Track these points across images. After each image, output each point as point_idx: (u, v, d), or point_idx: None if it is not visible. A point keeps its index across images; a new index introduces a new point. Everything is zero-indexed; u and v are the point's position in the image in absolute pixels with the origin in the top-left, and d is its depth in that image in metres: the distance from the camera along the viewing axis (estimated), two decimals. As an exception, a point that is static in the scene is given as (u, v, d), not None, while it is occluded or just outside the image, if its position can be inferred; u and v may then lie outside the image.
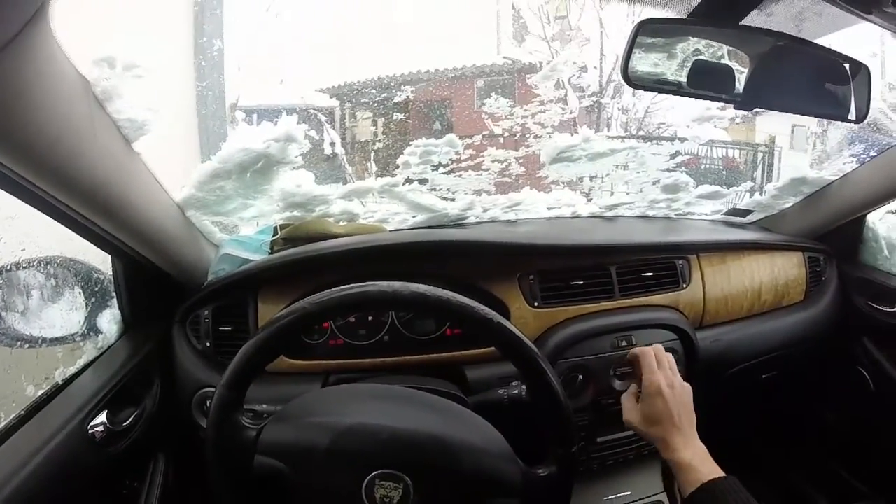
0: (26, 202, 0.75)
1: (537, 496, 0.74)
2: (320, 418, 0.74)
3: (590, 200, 1.59)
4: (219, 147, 1.06)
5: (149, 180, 0.91)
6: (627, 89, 4.67)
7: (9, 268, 1.01)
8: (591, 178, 1.85)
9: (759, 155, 4.62)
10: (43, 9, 0.54)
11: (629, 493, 1.34)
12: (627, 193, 1.65)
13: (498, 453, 0.74)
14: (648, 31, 0.91)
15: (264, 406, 0.86)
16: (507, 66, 4.59)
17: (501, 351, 0.74)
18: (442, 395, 0.84)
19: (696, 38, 0.97)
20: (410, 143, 1.21)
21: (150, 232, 0.95)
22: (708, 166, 4.38)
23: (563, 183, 1.58)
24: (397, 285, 0.72)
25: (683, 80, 0.97)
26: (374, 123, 4.13)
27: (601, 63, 4.62)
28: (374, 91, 4.10)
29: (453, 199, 1.33)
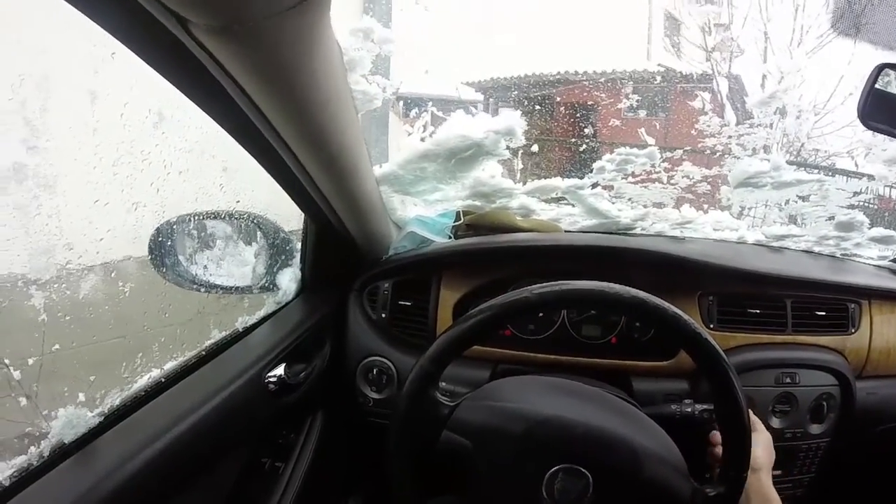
0: (256, 154, 0.81)
1: None
2: (515, 405, 0.76)
3: (757, 228, 1.52)
4: (380, 129, 1.08)
5: (363, 151, 0.95)
6: (791, 111, 4.38)
7: (219, 215, 1.10)
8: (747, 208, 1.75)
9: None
10: None
11: None
12: (797, 226, 1.54)
13: (676, 466, 0.75)
14: (888, 74, 0.93)
15: (443, 384, 0.88)
16: (660, 74, 4.43)
17: (701, 364, 0.75)
18: (626, 401, 0.85)
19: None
20: (615, 149, 1.18)
21: (353, 199, 1.00)
22: (866, 206, 4.00)
23: (745, 209, 1.50)
24: (619, 288, 0.73)
25: None
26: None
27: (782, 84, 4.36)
28: (519, 88, 4.11)
29: (627, 208, 1.32)
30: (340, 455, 1.25)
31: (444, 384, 0.89)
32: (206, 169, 1.07)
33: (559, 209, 1.31)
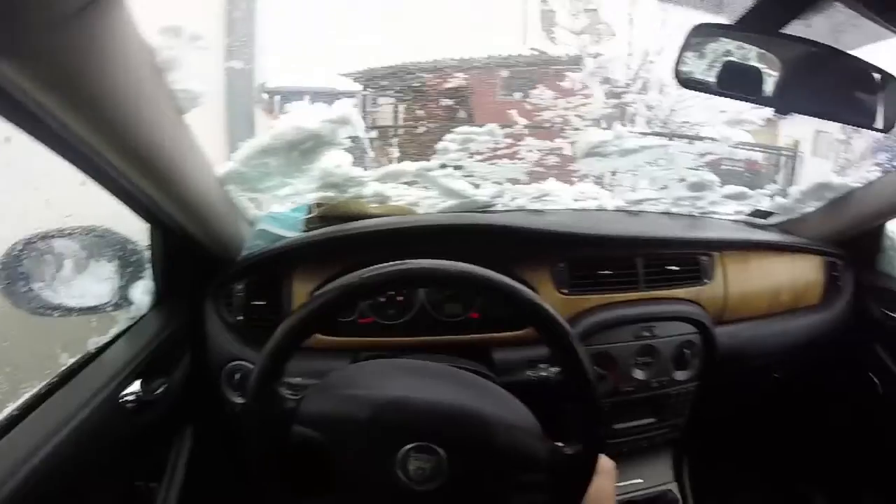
0: (81, 168, 0.76)
1: (563, 473, 0.75)
2: (360, 391, 0.76)
3: (615, 194, 1.60)
4: (246, 126, 1.06)
5: (196, 152, 0.92)
6: (654, 85, 4.67)
7: (52, 234, 1.03)
8: (613, 174, 1.85)
9: (783, 159, 4.61)
10: None
11: (641, 480, 1.37)
12: (654, 190, 1.65)
13: (529, 430, 0.76)
14: (700, 34, 0.96)
15: (298, 379, 0.86)
16: (533, 58, 4.58)
17: (537, 329, 0.75)
18: (475, 374, 0.85)
19: (737, 43, 1.00)
20: (452, 129, 1.21)
21: (193, 203, 0.96)
22: (731, 168, 4.37)
23: (588, 177, 1.59)
24: (442, 263, 0.73)
25: (731, 82, 1.00)
26: (395, 109, 4.16)
27: (629, 58, 4.62)
28: (396, 77, 4.11)
29: (483, 187, 1.35)
30: (218, 465, 1.21)
31: (299, 379, 0.86)
32: (26, 187, 0.99)
33: (417, 193, 1.32)
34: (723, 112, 1.80)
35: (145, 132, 0.73)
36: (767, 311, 1.43)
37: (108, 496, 0.89)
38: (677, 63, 0.97)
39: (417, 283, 0.87)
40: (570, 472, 0.75)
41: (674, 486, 1.40)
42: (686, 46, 0.96)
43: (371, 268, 0.73)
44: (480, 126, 1.23)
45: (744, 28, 0.97)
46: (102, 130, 0.67)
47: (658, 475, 1.40)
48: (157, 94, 0.74)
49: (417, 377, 0.81)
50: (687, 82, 1.01)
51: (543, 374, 0.98)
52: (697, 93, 1.03)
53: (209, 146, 1.09)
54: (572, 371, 0.75)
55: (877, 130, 1.01)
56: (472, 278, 0.74)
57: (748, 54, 1.03)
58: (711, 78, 1.01)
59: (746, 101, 1.08)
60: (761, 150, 4.69)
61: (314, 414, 0.74)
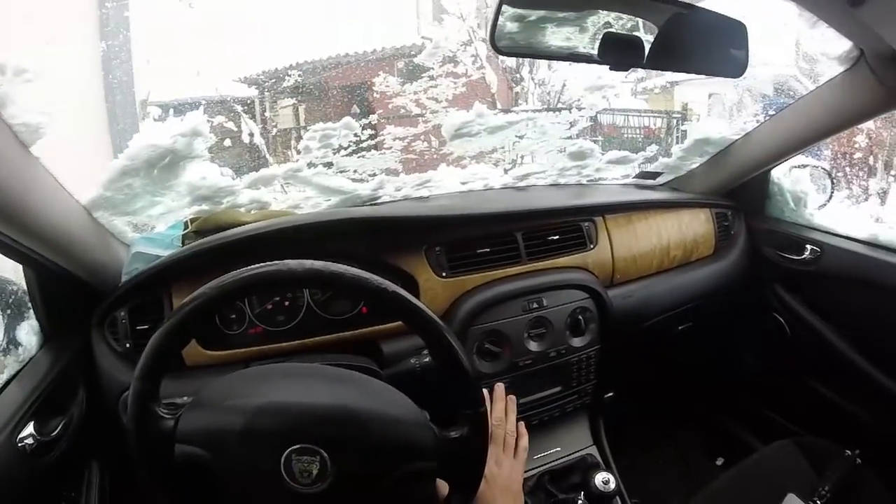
0: None
1: (452, 457, 0.75)
2: (233, 401, 0.75)
3: (506, 172, 1.64)
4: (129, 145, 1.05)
5: (50, 183, 0.90)
6: (543, 64, 4.76)
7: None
8: (495, 151, 1.88)
9: (673, 122, 4.82)
10: None
11: (559, 448, 1.40)
12: (535, 163, 1.71)
13: (410, 420, 0.75)
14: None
15: (185, 398, 0.84)
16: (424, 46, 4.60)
17: (400, 318, 0.75)
18: (355, 370, 0.84)
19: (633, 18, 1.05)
20: (309, 127, 1.22)
21: (55, 236, 0.94)
22: (632, 136, 4.57)
23: (471, 158, 1.63)
24: (292, 263, 0.73)
25: (551, 45, 1.04)
26: (295, 110, 4.09)
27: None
28: (291, 77, 4.05)
29: (364, 181, 1.36)
30: (131, 498, 1.21)
31: (185, 398, 0.83)
32: None
33: (297, 195, 1.32)
34: (598, 80, 1.88)
35: None
36: (659, 269, 1.48)
37: None
38: (493, 29, 0.96)
39: (270, 285, 0.81)
40: (460, 456, 0.76)
41: (593, 450, 1.44)
42: (499, 11, 0.95)
43: (226, 275, 0.73)
44: (336, 121, 1.25)
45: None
46: None
47: (576, 441, 1.44)
48: None
49: (290, 380, 0.79)
50: (506, 49, 1.01)
51: (426, 360, 0.98)
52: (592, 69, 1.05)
53: (97, 169, 1.08)
54: (442, 354, 0.75)
55: (731, 76, 1.09)
56: (321, 276, 0.73)
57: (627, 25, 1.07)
58: (536, 42, 1.03)
59: (577, 61, 1.10)
60: (652, 115, 4.88)
61: (192, 430, 0.73)
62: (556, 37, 1.04)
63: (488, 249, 1.26)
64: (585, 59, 1.06)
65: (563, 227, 1.34)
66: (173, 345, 0.74)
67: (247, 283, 0.73)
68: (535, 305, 1.27)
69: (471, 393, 0.75)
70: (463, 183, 1.55)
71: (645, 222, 1.47)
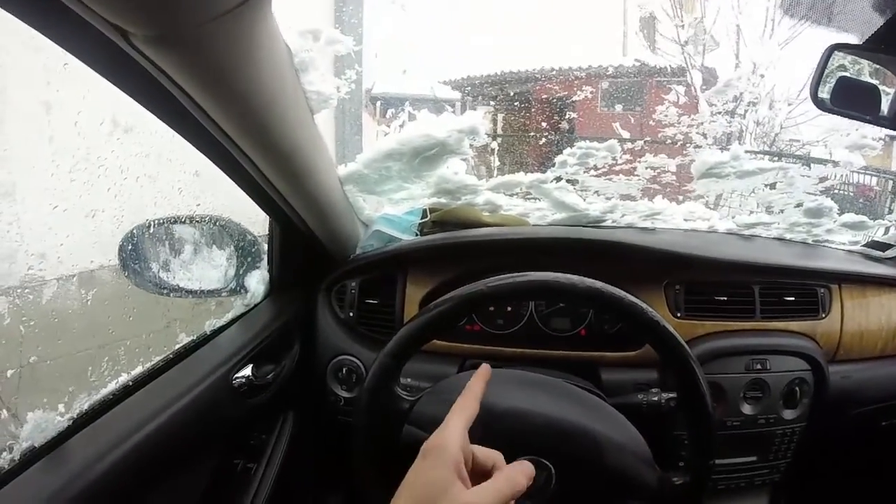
0: (214, 160, 0.81)
1: (670, 502, 0.74)
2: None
3: (730, 217, 1.53)
4: (354, 129, 1.08)
5: (323, 151, 0.95)
6: (763, 102, 4.42)
7: (183, 220, 1.10)
8: (720, 195, 1.77)
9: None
10: None
11: None
12: (767, 214, 1.56)
13: (640, 455, 0.74)
14: (837, 56, 0.92)
15: (408, 380, 0.89)
16: (635, 69, 4.44)
17: (661, 353, 0.74)
18: (590, 392, 0.84)
19: (851, 58, 0.96)
20: (574, 143, 1.19)
21: (316, 199, 0.99)
22: (843, 193, 4.05)
23: (699, 197, 1.52)
24: (574, 278, 0.73)
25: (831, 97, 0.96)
26: (493, 118, 4.16)
27: (737, 71, 4.38)
28: (496, 86, 4.11)
29: (593, 201, 1.32)
30: (314, 455, 1.24)
31: (409, 380, 0.89)
32: (165, 174, 1.06)
33: (527, 204, 1.31)
34: (846, 135, 1.69)
35: (279, 129, 0.76)
36: (882, 353, 1.31)
37: (207, 470, 0.93)
38: (815, 86, 0.93)
39: (547, 295, 0.85)
40: (677, 502, 0.74)
41: None
42: (822, 67, 0.92)
43: (499, 276, 0.74)
44: (600, 142, 1.20)
45: (882, 49, 0.91)
46: (241, 125, 0.70)
47: None
48: (293, 95, 0.76)
49: (534, 390, 0.80)
50: (825, 106, 0.96)
51: (654, 399, 0.92)
52: (814, 111, 0.98)
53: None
54: (691, 397, 0.74)
55: None
56: (599, 295, 0.73)
57: (862, 70, 0.99)
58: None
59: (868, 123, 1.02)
60: (876, 174, 4.31)
61: (428, 416, 0.75)
62: (833, 90, 0.97)
63: (725, 298, 1.19)
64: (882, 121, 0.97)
65: (799, 289, 1.24)
66: (433, 330, 0.76)
67: (524, 288, 0.74)
68: (759, 367, 1.17)
69: (708, 442, 0.75)
70: (686, 220, 1.45)
71: (878, 298, 1.30)
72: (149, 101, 0.65)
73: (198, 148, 0.78)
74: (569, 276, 0.74)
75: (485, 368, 0.74)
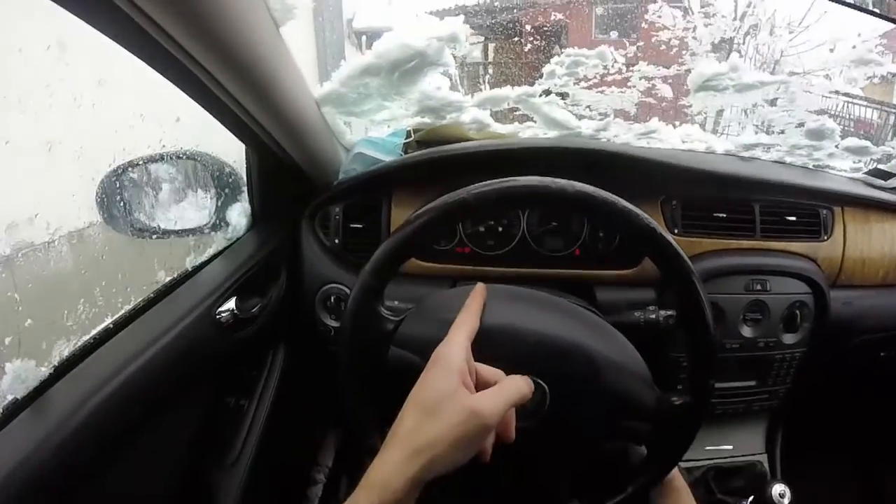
0: (182, 86, 0.76)
1: (669, 424, 0.72)
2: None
3: (723, 137, 1.46)
4: (337, 61, 1.02)
5: (293, 69, 0.89)
6: (764, 26, 4.27)
7: (156, 158, 1.06)
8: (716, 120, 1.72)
9: (898, 119, 4.09)
10: None
11: (731, 447, 1.32)
12: (768, 134, 1.51)
13: (638, 375, 0.72)
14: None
15: (396, 303, 0.84)
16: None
17: (659, 264, 0.70)
18: (586, 309, 0.80)
19: None
20: (563, 51, 1.12)
21: (291, 121, 0.94)
22: (843, 127, 3.96)
23: (693, 120, 1.46)
24: (563, 182, 0.68)
25: None
26: (485, 47, 4.02)
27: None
28: (487, 14, 3.94)
29: (590, 118, 1.26)
30: (308, 388, 1.24)
31: (396, 303, 0.85)
32: (123, 102, 0.99)
33: (516, 126, 1.25)
34: (852, 47, 1.61)
35: (244, 45, 0.71)
36: (883, 281, 1.30)
37: (198, 409, 0.93)
38: None
39: (535, 201, 0.78)
40: (675, 424, 0.72)
41: (763, 458, 1.34)
42: None
43: (484, 183, 0.69)
44: (590, 49, 1.13)
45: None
46: (204, 44, 0.65)
47: (749, 444, 1.35)
48: (254, 7, 0.71)
49: (525, 305, 0.76)
50: None
51: (652, 316, 0.89)
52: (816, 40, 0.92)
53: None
54: (691, 313, 0.71)
55: None
56: (589, 199, 0.68)
57: None
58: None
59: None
60: (878, 107, 4.19)
61: (414, 336, 0.72)
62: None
63: (724, 215, 1.17)
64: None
65: (801, 209, 1.21)
66: (413, 245, 0.72)
67: (510, 194, 0.69)
68: (759, 287, 1.16)
69: (709, 361, 0.72)
70: (683, 141, 1.40)
71: (881, 225, 1.29)
72: (101, 22, 0.60)
73: (160, 72, 0.72)
74: (557, 179, 0.69)
75: (480, 286, 0.71)
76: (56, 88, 0.84)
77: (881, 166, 1.48)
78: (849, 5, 0.92)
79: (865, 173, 1.50)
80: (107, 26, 0.61)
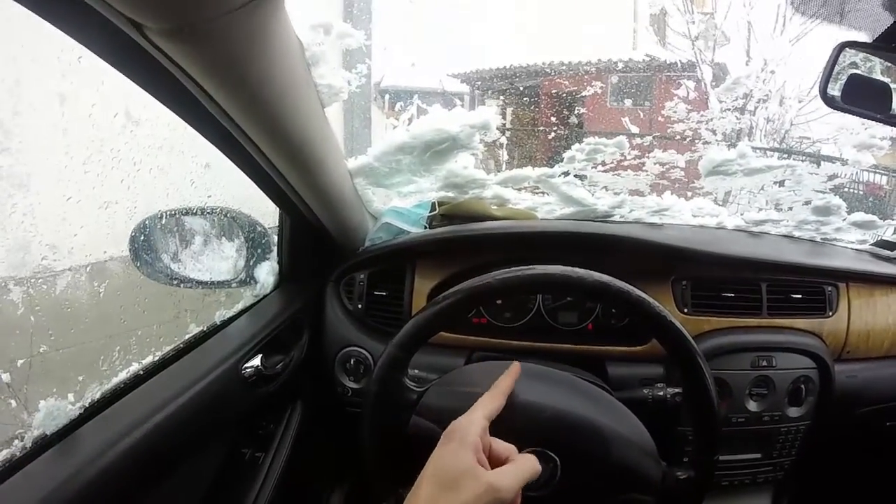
0: (226, 152, 0.83)
1: (672, 498, 0.74)
2: (483, 389, 0.75)
3: (738, 214, 1.51)
4: (363, 122, 1.08)
5: (333, 144, 0.96)
6: (773, 98, 4.38)
7: (194, 211, 1.11)
8: (728, 192, 1.77)
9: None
10: None
11: None
12: (776, 211, 1.55)
13: (645, 449, 0.75)
14: (847, 53, 0.92)
15: (416, 371, 0.89)
16: (645, 63, 4.40)
17: (667, 347, 0.75)
18: (596, 386, 0.85)
19: (862, 55, 0.95)
20: (583, 138, 1.19)
21: (326, 192, 1.00)
22: (852, 191, 4.01)
23: (707, 193, 1.52)
24: (582, 272, 0.74)
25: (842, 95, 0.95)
26: (503, 111, 4.15)
27: (748, 67, 4.33)
28: (505, 80, 4.10)
29: (602, 196, 1.32)
30: (321, 445, 1.26)
31: (416, 371, 0.89)
32: (177, 166, 1.07)
33: (535, 198, 1.32)
34: (855, 134, 1.67)
35: (291, 122, 0.77)
36: (888, 353, 1.31)
37: (216, 460, 0.94)
38: (825, 84, 0.93)
39: (554, 289, 0.86)
40: (681, 498, 0.74)
41: None
42: (832, 65, 0.91)
43: (505, 270, 0.75)
44: (609, 137, 1.20)
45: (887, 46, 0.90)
46: (253, 118, 0.71)
47: None
48: (304, 88, 0.77)
49: (540, 382, 0.80)
50: (835, 104, 0.95)
51: (660, 394, 0.94)
52: (825, 109, 0.97)
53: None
54: (696, 392, 0.75)
55: None
56: (606, 289, 0.74)
57: (874, 68, 0.98)
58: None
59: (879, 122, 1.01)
60: (886, 173, 4.25)
61: (435, 407, 0.76)
62: (844, 87, 0.96)
63: (732, 295, 1.19)
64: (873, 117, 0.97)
65: (806, 287, 1.23)
66: (441, 322, 0.77)
67: (532, 281, 0.75)
68: (765, 363, 1.17)
69: (712, 437, 0.76)
70: (694, 216, 1.45)
71: (885, 298, 1.30)
72: (162, 93, 0.66)
73: (210, 140, 0.79)
74: (577, 269, 0.74)
75: (516, 366, 0.76)
76: (122, 154, 0.92)
77: (887, 237, 1.51)
78: (858, 114, 0.98)
79: (873, 244, 1.53)
80: (176, 106, 0.69)
